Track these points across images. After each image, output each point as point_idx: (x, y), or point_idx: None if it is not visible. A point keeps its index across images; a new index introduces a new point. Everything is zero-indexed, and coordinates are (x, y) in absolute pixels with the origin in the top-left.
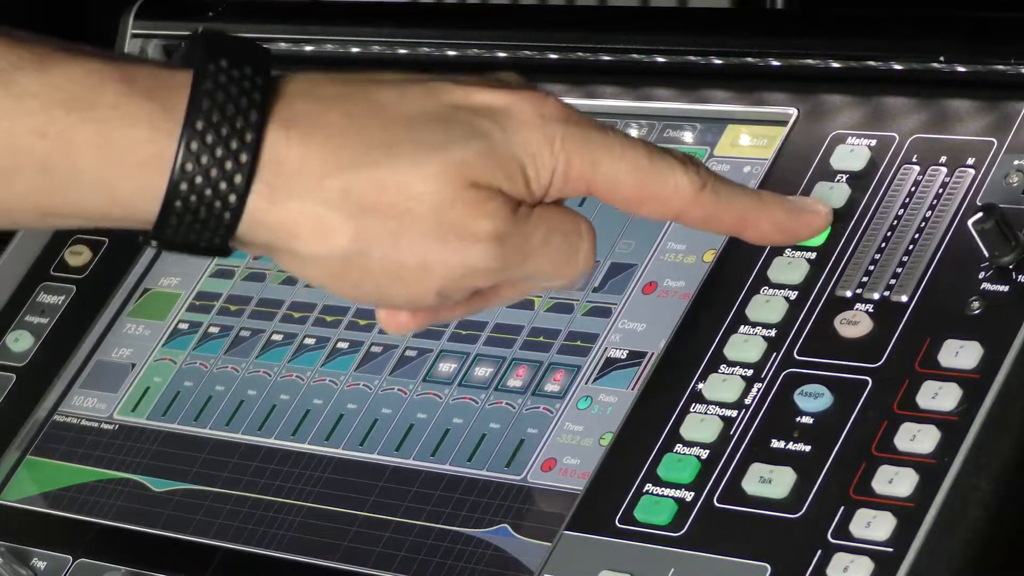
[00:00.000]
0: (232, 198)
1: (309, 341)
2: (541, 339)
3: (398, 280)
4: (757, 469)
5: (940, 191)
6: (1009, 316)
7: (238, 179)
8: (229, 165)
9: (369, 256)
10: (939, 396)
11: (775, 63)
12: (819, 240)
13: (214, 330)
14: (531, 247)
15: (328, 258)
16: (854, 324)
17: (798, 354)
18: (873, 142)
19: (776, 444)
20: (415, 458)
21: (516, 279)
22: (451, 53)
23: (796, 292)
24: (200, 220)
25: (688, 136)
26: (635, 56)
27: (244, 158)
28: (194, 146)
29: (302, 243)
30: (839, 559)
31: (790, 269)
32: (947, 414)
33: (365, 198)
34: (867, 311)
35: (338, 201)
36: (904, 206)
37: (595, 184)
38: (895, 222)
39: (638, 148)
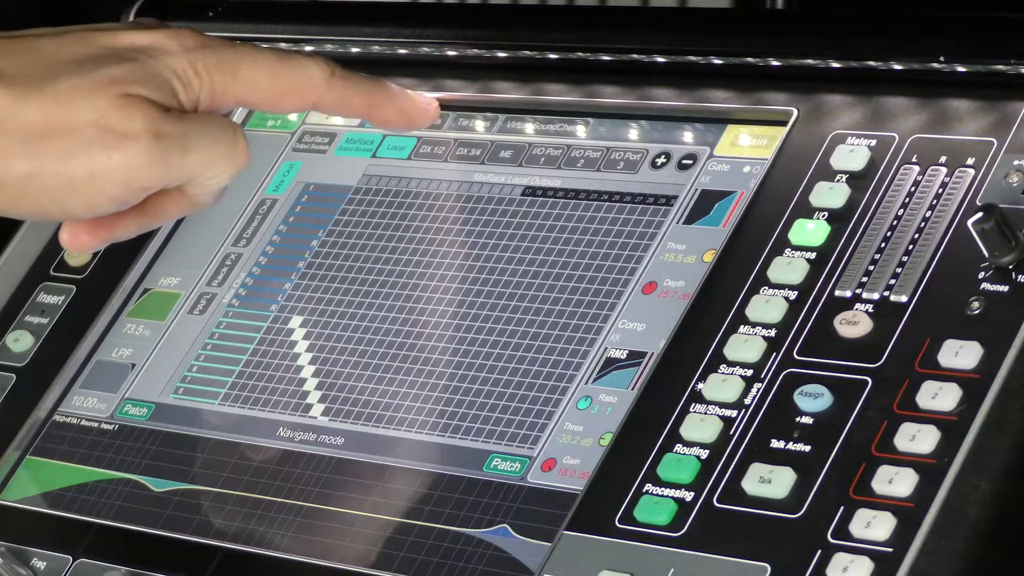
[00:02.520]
0: None
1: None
2: (541, 339)
3: (73, 192)
4: (757, 469)
5: (940, 191)
6: (1009, 316)
7: None
8: None
9: (44, 173)
10: (939, 396)
11: (775, 63)
12: (819, 240)
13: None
14: (189, 141)
15: (7, 181)
16: (854, 324)
17: (798, 354)
18: (873, 142)
19: (776, 444)
20: (416, 457)
21: (180, 178)
22: (451, 53)
23: (796, 292)
24: None
25: (688, 136)
26: (635, 56)
27: None
28: None
29: None
30: (839, 559)
31: (790, 269)
32: (947, 414)
33: (35, 124)
34: (867, 311)
35: (12, 131)
36: (904, 206)
37: (239, 92)
38: (895, 222)
39: (269, 53)
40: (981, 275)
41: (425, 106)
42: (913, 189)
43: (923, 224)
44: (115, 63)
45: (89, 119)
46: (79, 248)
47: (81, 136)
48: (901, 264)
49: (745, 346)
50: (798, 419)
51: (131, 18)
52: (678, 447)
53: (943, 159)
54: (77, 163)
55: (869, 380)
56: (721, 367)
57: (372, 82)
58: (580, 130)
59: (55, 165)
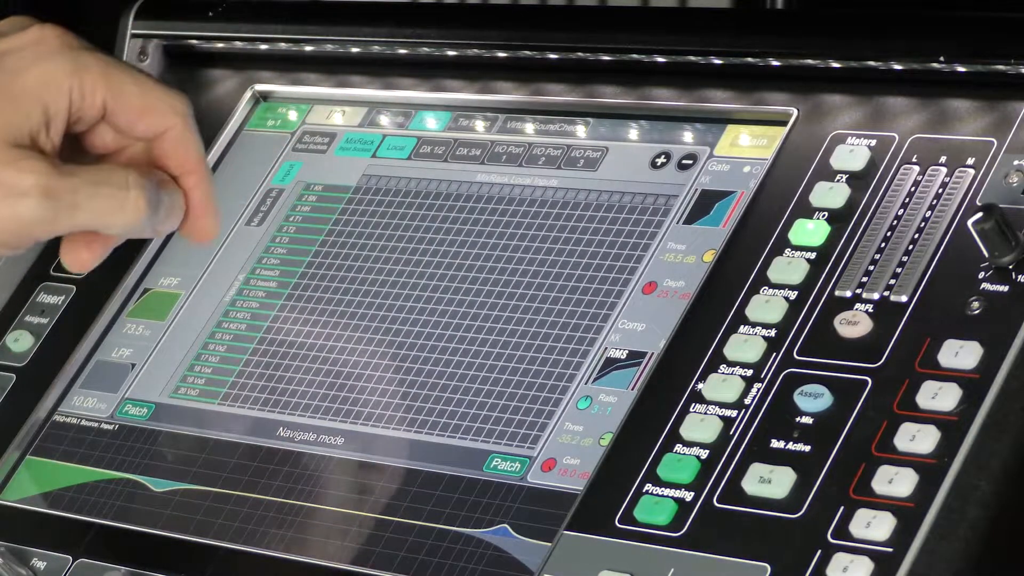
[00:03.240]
0: None
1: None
2: (541, 339)
3: None
4: (757, 469)
5: (940, 191)
6: (1009, 316)
7: None
8: None
9: None
10: (939, 396)
11: (775, 63)
12: (819, 240)
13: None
14: (77, 199)
15: None
16: (854, 324)
17: (798, 354)
18: (873, 142)
19: (776, 444)
20: (416, 457)
21: (72, 230)
22: (451, 53)
23: (796, 292)
24: None
25: (688, 136)
26: (635, 56)
27: None
28: None
29: None
30: (839, 559)
31: (790, 269)
32: (947, 414)
33: None
34: (867, 311)
35: None
36: (904, 206)
37: (108, 95)
38: (895, 222)
39: (137, 71)
40: (981, 275)
41: (211, 227)
42: (913, 189)
43: (923, 224)
44: None
45: None
46: (81, 267)
47: None
48: (901, 264)
49: (745, 346)
50: (798, 419)
51: (131, 18)
52: (678, 447)
53: (943, 159)
54: None
55: (869, 380)
56: (721, 367)
57: (204, 159)
58: (580, 130)
59: None
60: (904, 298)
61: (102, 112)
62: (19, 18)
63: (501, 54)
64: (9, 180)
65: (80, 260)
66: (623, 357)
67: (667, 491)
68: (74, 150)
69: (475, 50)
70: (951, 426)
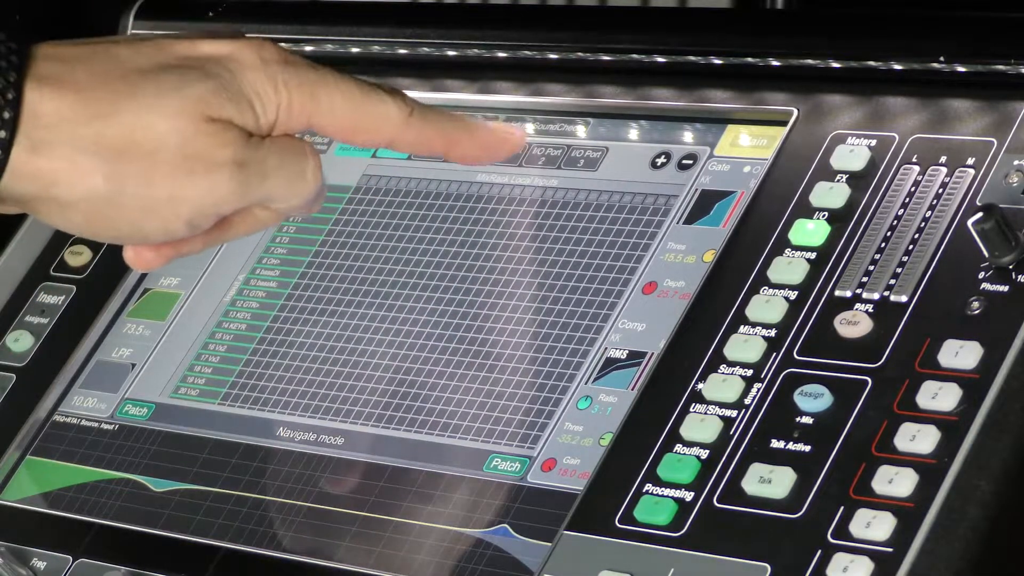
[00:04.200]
0: None
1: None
2: (541, 339)
3: (151, 214)
4: (757, 469)
5: (940, 191)
6: (1009, 316)
7: (2, 134)
8: None
9: (124, 195)
10: (939, 396)
11: (775, 63)
12: (819, 240)
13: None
14: (267, 169)
15: (86, 200)
16: (854, 324)
17: (798, 354)
18: (873, 142)
19: (776, 444)
20: (416, 457)
21: (255, 203)
22: (451, 53)
23: (796, 292)
24: None
25: (688, 136)
26: (635, 56)
27: (7, 115)
28: None
29: (61, 188)
30: (839, 559)
31: (790, 269)
32: (947, 414)
33: (116, 142)
34: (867, 311)
35: (92, 147)
36: (904, 206)
37: (315, 116)
38: (895, 222)
39: (351, 82)
40: (981, 275)
41: (507, 137)
42: (913, 189)
43: (923, 224)
44: (197, 78)
45: (174, 143)
46: (144, 266)
47: (166, 160)
48: (901, 264)
49: (745, 346)
50: (798, 419)
51: (131, 18)
52: (678, 447)
53: (943, 159)
54: (160, 187)
55: (869, 380)
56: (721, 367)
57: (450, 119)
58: (580, 130)
59: (136, 187)
60: (904, 298)
61: (307, 128)
62: (227, 27)
63: (501, 54)
64: (204, 151)
65: (144, 259)
66: (623, 357)
67: (667, 491)
68: None
69: (475, 50)
70: (951, 426)
